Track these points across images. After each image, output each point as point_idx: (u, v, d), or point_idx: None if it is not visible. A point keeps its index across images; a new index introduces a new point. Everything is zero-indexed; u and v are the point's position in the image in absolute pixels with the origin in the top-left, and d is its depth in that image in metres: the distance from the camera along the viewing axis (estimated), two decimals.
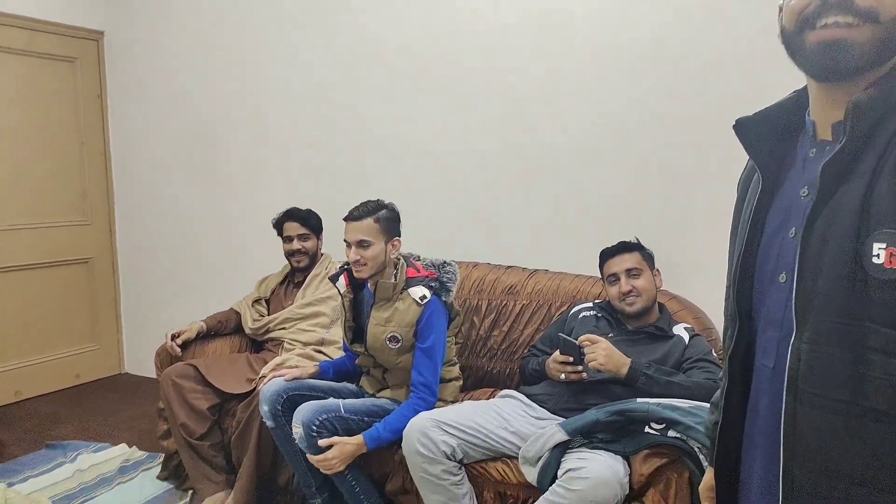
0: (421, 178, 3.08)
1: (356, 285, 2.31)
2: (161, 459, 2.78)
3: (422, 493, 2.02)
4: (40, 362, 3.75)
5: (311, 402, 2.16)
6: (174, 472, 2.70)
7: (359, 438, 2.07)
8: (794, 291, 0.88)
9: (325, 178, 3.32)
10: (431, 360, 2.16)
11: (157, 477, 2.73)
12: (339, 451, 2.05)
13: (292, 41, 3.32)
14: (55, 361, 3.81)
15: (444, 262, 2.29)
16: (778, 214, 0.96)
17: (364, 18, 3.12)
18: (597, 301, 2.42)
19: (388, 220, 2.19)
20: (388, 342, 2.18)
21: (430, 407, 2.15)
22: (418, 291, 2.18)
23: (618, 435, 1.88)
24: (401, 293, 2.19)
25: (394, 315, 2.19)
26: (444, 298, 2.20)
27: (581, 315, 2.35)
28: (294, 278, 2.88)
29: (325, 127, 3.28)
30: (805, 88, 0.97)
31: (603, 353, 1.99)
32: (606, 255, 2.29)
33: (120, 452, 2.95)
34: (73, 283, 3.90)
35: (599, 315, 2.30)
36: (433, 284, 2.21)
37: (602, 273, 2.33)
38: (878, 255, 0.80)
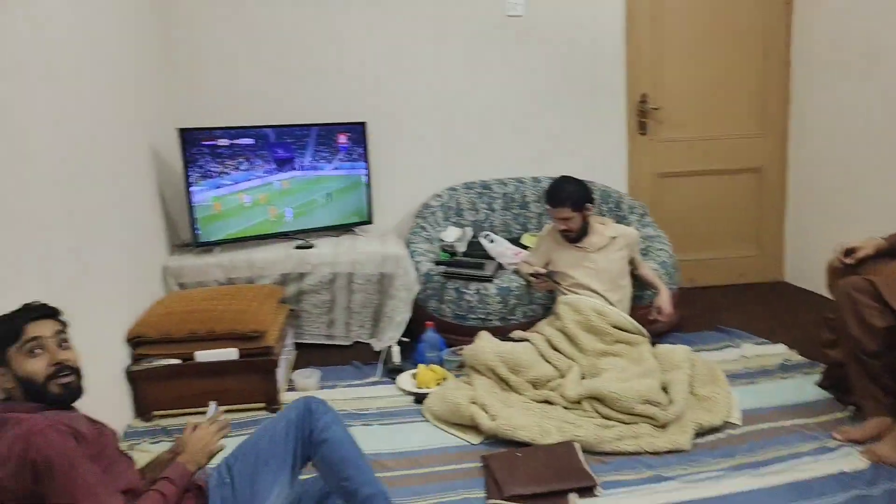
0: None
1: None
2: (822, 368, 2.76)
3: None
4: (710, 258, 4.10)
5: None
6: (836, 383, 2.63)
7: None
8: None
9: None
10: None
11: (816, 383, 2.72)
12: None
13: None
14: (722, 259, 4.12)
15: None
16: None
17: None
18: None
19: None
20: None
21: None
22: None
23: None
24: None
25: None
26: None
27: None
28: None
29: None
30: None
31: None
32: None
33: (780, 351, 3.09)
34: (743, 190, 4.06)
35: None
36: None
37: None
38: None
